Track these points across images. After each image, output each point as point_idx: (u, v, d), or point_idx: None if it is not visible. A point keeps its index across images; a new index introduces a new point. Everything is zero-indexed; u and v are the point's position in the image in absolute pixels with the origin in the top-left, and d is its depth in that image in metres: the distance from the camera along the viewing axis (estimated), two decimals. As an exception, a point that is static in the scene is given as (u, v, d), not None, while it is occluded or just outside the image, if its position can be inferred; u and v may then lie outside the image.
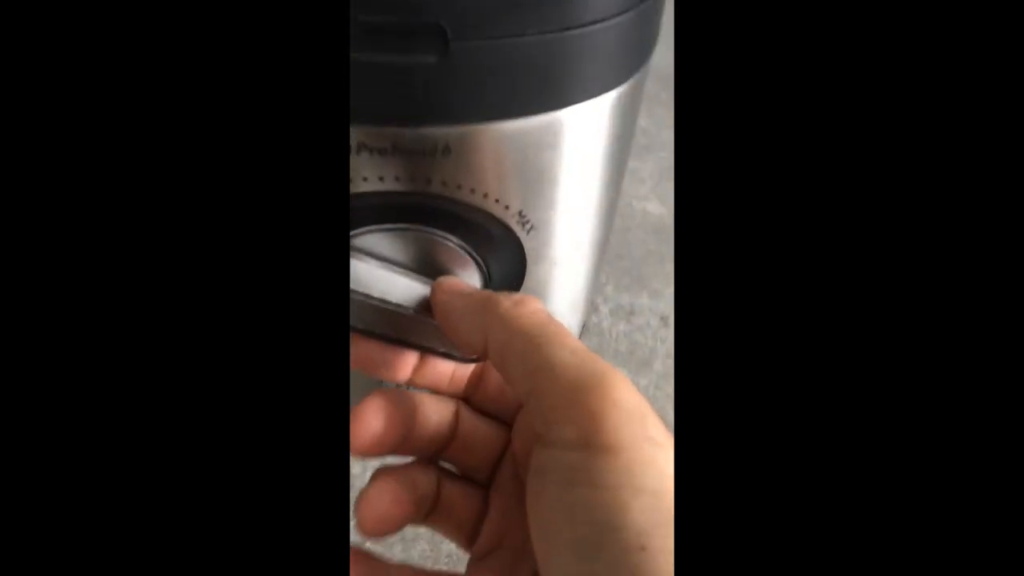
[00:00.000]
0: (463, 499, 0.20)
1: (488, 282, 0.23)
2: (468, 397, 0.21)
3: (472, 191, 0.20)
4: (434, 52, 0.16)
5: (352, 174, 0.18)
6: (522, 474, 0.20)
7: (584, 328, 0.38)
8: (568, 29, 0.16)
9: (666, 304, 0.42)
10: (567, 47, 0.17)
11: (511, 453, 0.20)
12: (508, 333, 0.16)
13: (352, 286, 0.20)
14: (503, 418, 0.21)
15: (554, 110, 0.19)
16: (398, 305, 0.21)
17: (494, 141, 0.18)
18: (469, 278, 0.23)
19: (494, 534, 0.20)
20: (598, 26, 0.17)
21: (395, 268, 0.21)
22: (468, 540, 0.20)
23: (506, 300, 0.17)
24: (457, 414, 0.20)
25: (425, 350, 0.21)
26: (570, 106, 0.19)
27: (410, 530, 0.28)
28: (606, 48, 0.18)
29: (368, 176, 0.19)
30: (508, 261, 0.23)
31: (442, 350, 0.21)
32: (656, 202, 0.48)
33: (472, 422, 0.21)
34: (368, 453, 0.18)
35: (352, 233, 0.20)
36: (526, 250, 0.23)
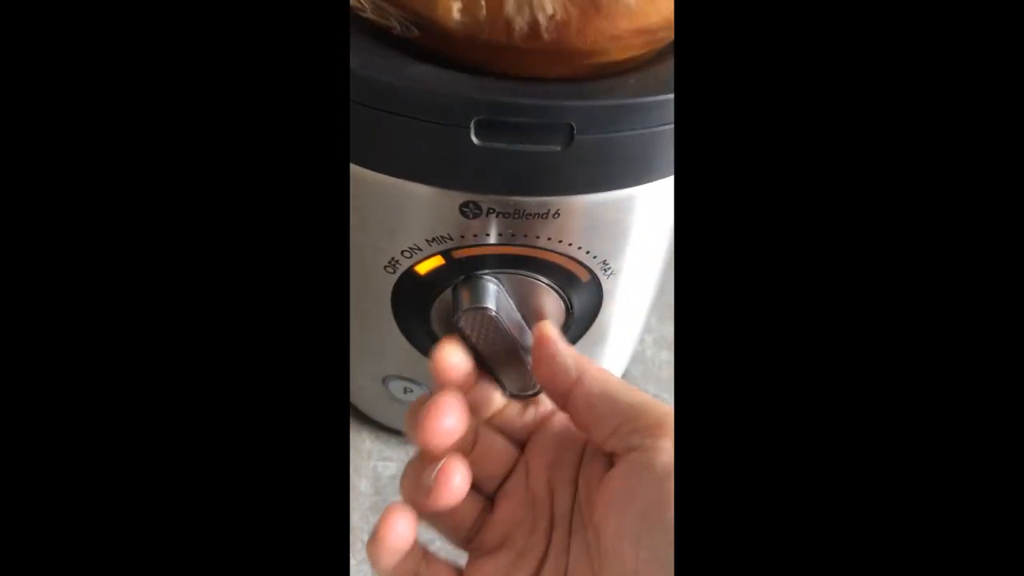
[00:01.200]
0: (468, 501, 0.23)
1: (571, 314, 0.28)
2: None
3: (570, 244, 0.24)
4: (562, 143, 0.20)
5: (479, 232, 0.23)
6: (536, 487, 0.23)
7: (632, 356, 0.42)
8: (662, 126, 0.21)
9: None
10: (656, 140, 0.21)
11: (524, 465, 0.24)
12: (605, 375, 0.21)
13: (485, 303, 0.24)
14: (516, 438, 0.25)
15: (638, 185, 0.23)
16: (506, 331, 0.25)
17: (594, 207, 0.23)
18: (556, 310, 0.27)
19: (498, 535, 0.23)
20: (671, 125, 0.22)
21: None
22: (465, 539, 0.24)
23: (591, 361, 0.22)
24: (476, 428, 0.24)
25: (488, 370, 0.25)
26: (649, 183, 0.23)
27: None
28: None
29: (491, 233, 0.23)
30: (589, 298, 0.27)
31: (500, 377, 0.25)
32: None
33: (490, 437, 0.24)
34: (438, 446, 0.21)
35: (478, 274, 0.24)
36: (604, 290, 0.27)
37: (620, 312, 0.30)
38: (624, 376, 0.40)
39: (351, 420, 0.38)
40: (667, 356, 0.44)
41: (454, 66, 0.20)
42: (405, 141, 0.21)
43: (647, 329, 0.46)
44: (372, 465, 0.37)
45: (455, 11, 0.19)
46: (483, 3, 0.19)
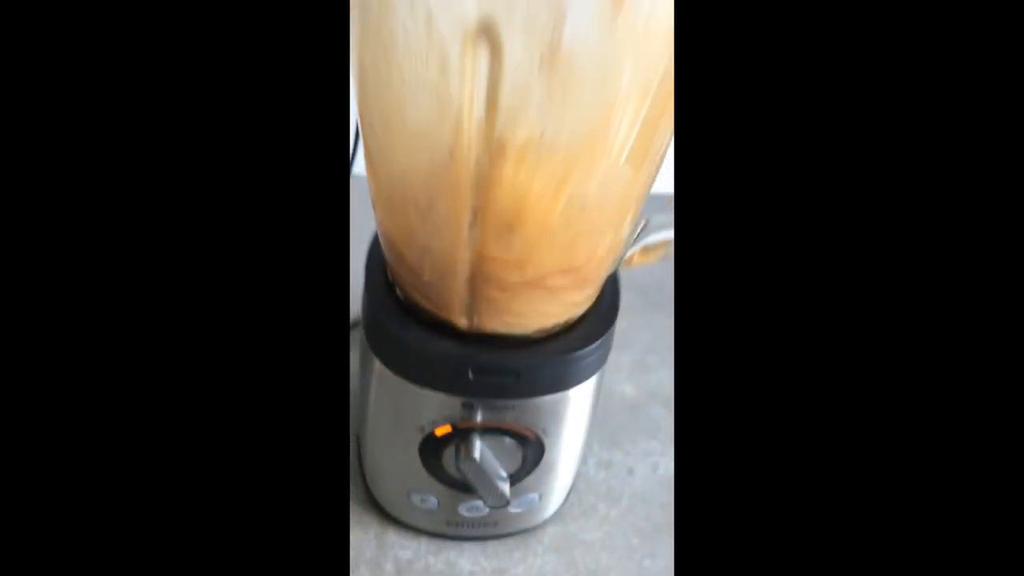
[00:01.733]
0: None
1: (525, 457, 0.46)
2: None
3: (524, 423, 0.43)
4: (517, 377, 0.39)
5: (472, 415, 0.42)
6: None
7: (576, 475, 0.59)
8: (584, 362, 0.40)
9: (633, 459, 0.63)
10: (578, 369, 0.41)
11: None
12: None
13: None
14: None
15: (567, 390, 0.42)
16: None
17: (538, 402, 0.42)
18: (516, 455, 0.45)
19: None
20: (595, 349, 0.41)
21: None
22: None
23: None
24: None
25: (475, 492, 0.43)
26: (575, 387, 0.43)
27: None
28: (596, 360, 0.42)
29: (479, 416, 0.42)
30: (537, 448, 0.46)
31: (482, 496, 0.43)
32: (630, 385, 0.71)
33: None
34: None
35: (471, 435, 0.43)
36: (545, 444, 0.46)
37: (558, 454, 0.48)
38: (570, 490, 0.58)
39: (380, 519, 0.55)
40: (603, 475, 0.61)
41: (456, 336, 0.40)
42: (433, 374, 0.40)
43: (592, 454, 0.64)
44: (395, 553, 0.53)
45: (462, 318, 0.39)
46: (476, 319, 0.38)
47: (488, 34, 0.24)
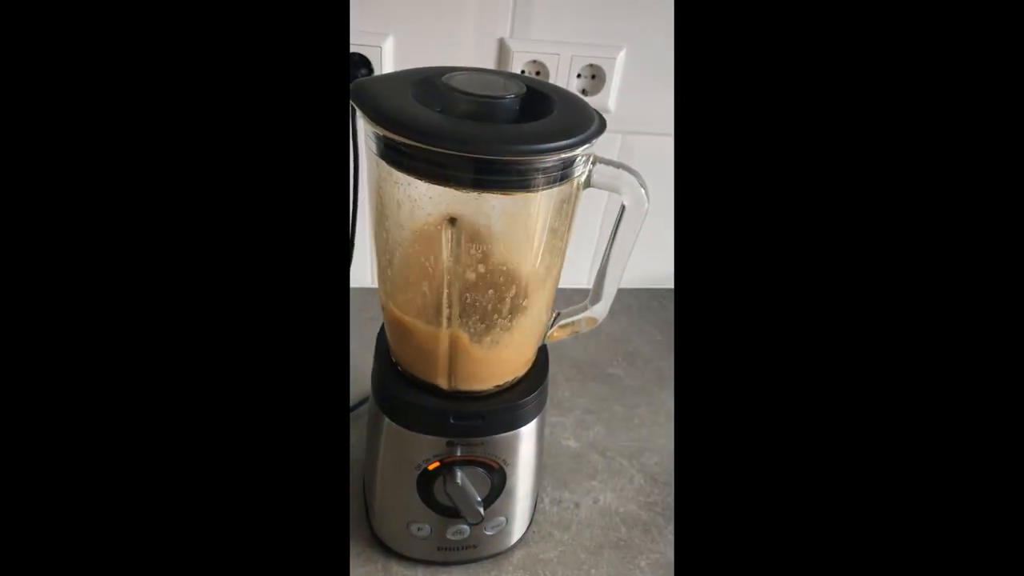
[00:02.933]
0: None
1: (493, 484, 0.63)
2: None
3: (490, 455, 0.61)
4: (482, 423, 0.59)
5: (453, 452, 0.60)
6: None
7: (535, 510, 0.76)
8: (527, 410, 0.60)
9: (578, 496, 0.81)
10: (527, 415, 0.60)
11: None
12: None
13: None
14: None
15: (518, 428, 0.61)
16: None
17: (499, 439, 0.61)
18: (486, 482, 0.63)
19: None
20: (535, 397, 0.61)
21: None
22: None
23: None
24: None
25: (457, 512, 0.60)
26: (524, 426, 0.62)
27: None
28: (536, 406, 0.62)
29: (459, 451, 0.60)
30: (500, 475, 0.63)
31: (463, 513, 0.60)
32: (573, 440, 0.90)
33: None
34: None
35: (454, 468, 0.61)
36: (507, 472, 0.64)
37: (516, 481, 0.66)
38: (531, 520, 0.74)
39: (385, 554, 0.70)
40: (556, 509, 0.78)
41: (440, 394, 0.59)
42: (424, 422, 0.59)
43: (545, 493, 0.81)
44: None
45: (444, 381, 0.58)
46: (453, 382, 0.58)
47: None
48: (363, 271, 1.10)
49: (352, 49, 0.84)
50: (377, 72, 0.86)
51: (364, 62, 0.85)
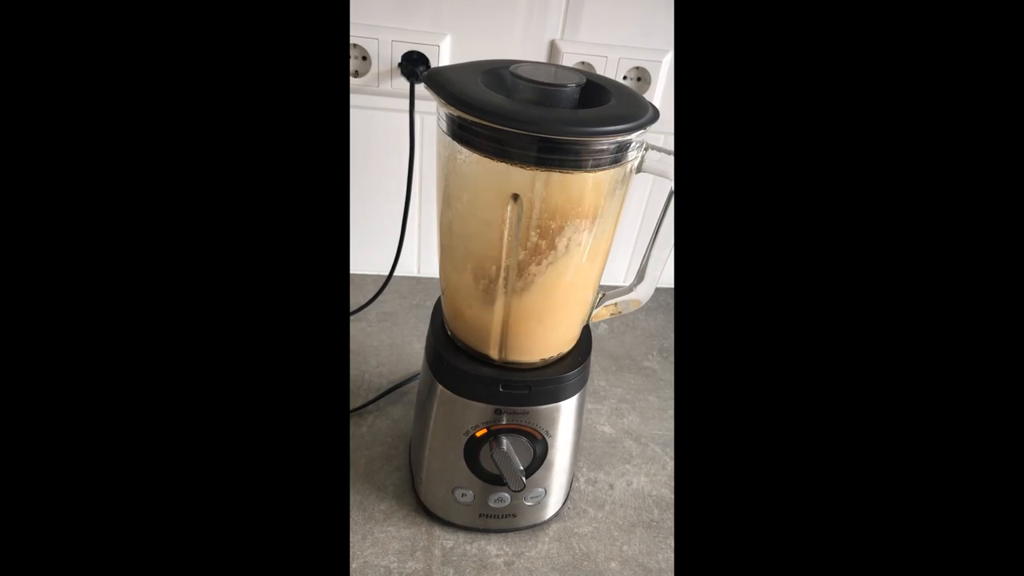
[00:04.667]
0: None
1: (535, 453, 0.67)
2: None
3: (534, 425, 0.65)
4: (529, 392, 0.62)
5: (500, 419, 0.64)
6: None
7: (572, 488, 0.80)
8: (572, 383, 0.64)
9: (612, 478, 0.84)
10: (569, 388, 0.64)
11: None
12: None
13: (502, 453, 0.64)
14: None
15: (561, 401, 0.65)
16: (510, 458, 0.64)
17: (542, 410, 0.64)
18: (528, 451, 0.66)
19: None
20: (577, 372, 0.64)
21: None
22: None
23: None
24: None
25: (501, 479, 0.64)
26: (566, 399, 0.65)
27: None
28: (578, 382, 0.66)
29: (504, 420, 0.64)
30: (543, 445, 0.67)
31: (507, 481, 0.64)
32: (608, 426, 0.93)
33: None
34: None
35: (500, 435, 0.65)
36: (548, 443, 0.67)
37: (556, 453, 0.69)
38: (567, 497, 0.78)
39: (429, 519, 0.74)
40: (591, 489, 0.82)
41: (491, 364, 0.63)
42: (475, 390, 0.63)
43: (580, 473, 0.84)
44: (440, 543, 0.72)
45: (495, 352, 0.62)
46: (503, 353, 0.62)
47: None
48: (410, 262, 1.15)
49: (412, 47, 0.90)
50: (434, 69, 0.91)
51: (423, 59, 0.91)
